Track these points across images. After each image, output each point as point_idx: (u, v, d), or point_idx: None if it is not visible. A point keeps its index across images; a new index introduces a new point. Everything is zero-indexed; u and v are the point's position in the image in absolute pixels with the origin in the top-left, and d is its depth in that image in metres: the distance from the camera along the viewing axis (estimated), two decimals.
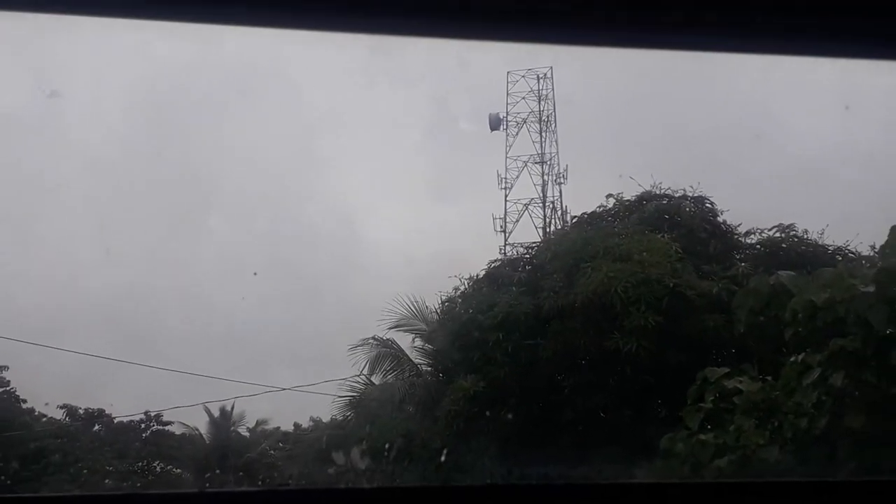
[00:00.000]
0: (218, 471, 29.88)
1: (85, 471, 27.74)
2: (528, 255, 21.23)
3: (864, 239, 17.90)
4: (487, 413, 17.02)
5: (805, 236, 18.53)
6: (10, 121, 31.77)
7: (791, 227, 18.69)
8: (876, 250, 16.24)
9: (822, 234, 18.53)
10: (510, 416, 16.94)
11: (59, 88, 40.27)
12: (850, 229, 18.42)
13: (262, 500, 1.83)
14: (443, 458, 16.59)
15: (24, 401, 30.51)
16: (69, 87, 39.76)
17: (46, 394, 28.45)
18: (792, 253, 17.81)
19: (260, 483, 27.81)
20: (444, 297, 20.58)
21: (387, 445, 18.11)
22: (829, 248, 18.23)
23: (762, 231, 19.16)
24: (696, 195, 20.28)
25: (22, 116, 33.11)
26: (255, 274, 33.41)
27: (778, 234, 18.76)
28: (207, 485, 29.12)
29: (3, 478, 23.44)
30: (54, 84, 41.01)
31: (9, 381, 30.14)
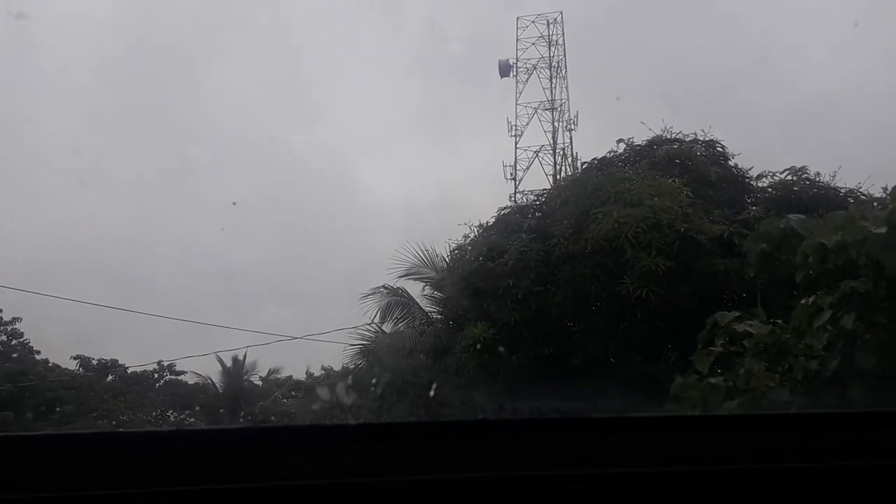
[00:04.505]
0: (231, 420, 30.16)
1: (99, 421, 28.02)
2: (537, 202, 21.12)
3: (876, 181, 17.78)
4: (497, 360, 17.03)
5: (817, 179, 18.37)
6: None
7: (803, 169, 18.52)
8: (888, 192, 16.09)
9: (833, 176, 18.40)
10: (520, 362, 16.95)
11: (27, 10, 38.62)
12: (862, 170, 18.29)
13: (238, 438, 1.77)
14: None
15: (38, 352, 30.80)
16: (38, 9, 38.04)
17: (59, 345, 28.70)
18: (804, 196, 17.65)
19: None
20: (453, 245, 20.56)
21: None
22: (841, 190, 18.08)
23: (774, 174, 19.01)
24: (707, 139, 20.13)
25: None
26: (234, 203, 33.30)
27: (790, 177, 18.59)
28: None
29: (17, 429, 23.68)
30: (21, 4, 39.23)
31: (22, 333, 30.45)
